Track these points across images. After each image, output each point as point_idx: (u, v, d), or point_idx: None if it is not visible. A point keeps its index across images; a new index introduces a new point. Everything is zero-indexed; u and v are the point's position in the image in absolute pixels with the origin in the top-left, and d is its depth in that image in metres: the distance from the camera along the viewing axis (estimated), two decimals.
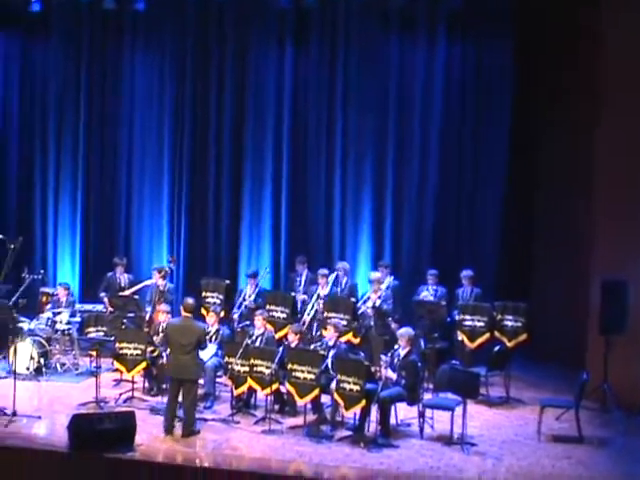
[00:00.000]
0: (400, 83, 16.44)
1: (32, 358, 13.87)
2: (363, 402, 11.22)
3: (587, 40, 14.39)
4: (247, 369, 12.11)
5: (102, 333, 14.04)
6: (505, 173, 16.06)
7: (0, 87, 17.77)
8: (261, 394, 12.30)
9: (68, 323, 14.60)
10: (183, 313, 11.84)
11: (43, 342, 14.15)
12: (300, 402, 11.93)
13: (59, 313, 14.66)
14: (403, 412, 12.12)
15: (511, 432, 11.97)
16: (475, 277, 14.62)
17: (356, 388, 11.20)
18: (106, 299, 15.13)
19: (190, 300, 12.07)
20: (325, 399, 12.04)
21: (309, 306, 14.25)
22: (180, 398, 11.56)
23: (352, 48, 16.55)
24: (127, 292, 15.00)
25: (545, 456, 11.04)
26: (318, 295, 14.27)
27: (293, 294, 14.68)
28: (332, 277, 14.57)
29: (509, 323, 13.64)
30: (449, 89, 16.32)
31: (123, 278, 15.43)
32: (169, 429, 11.47)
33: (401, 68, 16.44)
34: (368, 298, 14.13)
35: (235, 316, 14.48)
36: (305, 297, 14.73)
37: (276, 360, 11.82)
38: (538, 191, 16.13)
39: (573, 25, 15.00)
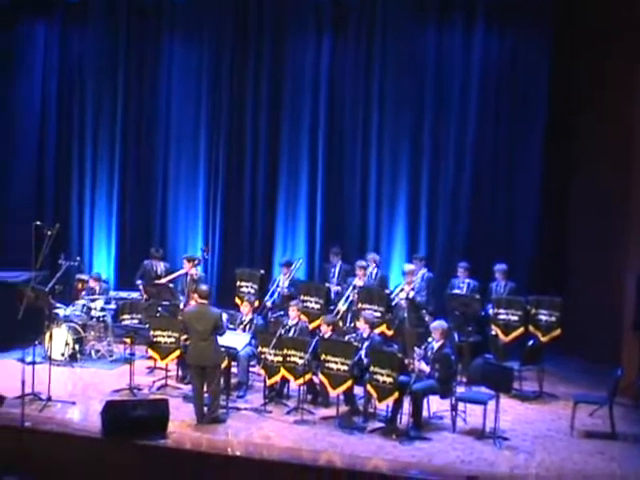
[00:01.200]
0: (437, 74, 16.32)
1: (67, 344, 14.02)
2: (396, 394, 11.21)
3: (625, 30, 14.28)
4: (280, 359, 12.13)
5: (137, 321, 14.15)
6: (541, 167, 15.94)
7: (39, 75, 17.88)
8: (294, 384, 12.31)
9: (103, 310, 14.73)
10: (198, 300, 11.90)
11: (78, 328, 14.29)
12: (333, 393, 11.95)
13: (94, 300, 14.78)
14: (436, 405, 12.11)
15: (544, 427, 11.92)
16: (509, 271, 14.56)
17: (389, 380, 11.20)
18: (141, 287, 15.20)
19: (204, 287, 12.12)
20: (358, 390, 12.05)
21: (344, 297, 14.24)
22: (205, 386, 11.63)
23: (389, 40, 16.43)
24: (162, 280, 15.03)
25: (577, 452, 10.99)
26: (354, 286, 14.25)
27: (327, 285, 14.69)
28: (370, 269, 14.55)
29: (543, 318, 13.57)
30: (486, 79, 16.15)
31: (159, 266, 15.45)
32: (200, 417, 11.53)
33: (438, 59, 16.32)
34: (402, 290, 14.11)
35: (268, 303, 14.50)
36: (339, 288, 14.72)
37: (309, 350, 11.84)
38: (574, 185, 16.02)
39: (610, 15, 14.86)
